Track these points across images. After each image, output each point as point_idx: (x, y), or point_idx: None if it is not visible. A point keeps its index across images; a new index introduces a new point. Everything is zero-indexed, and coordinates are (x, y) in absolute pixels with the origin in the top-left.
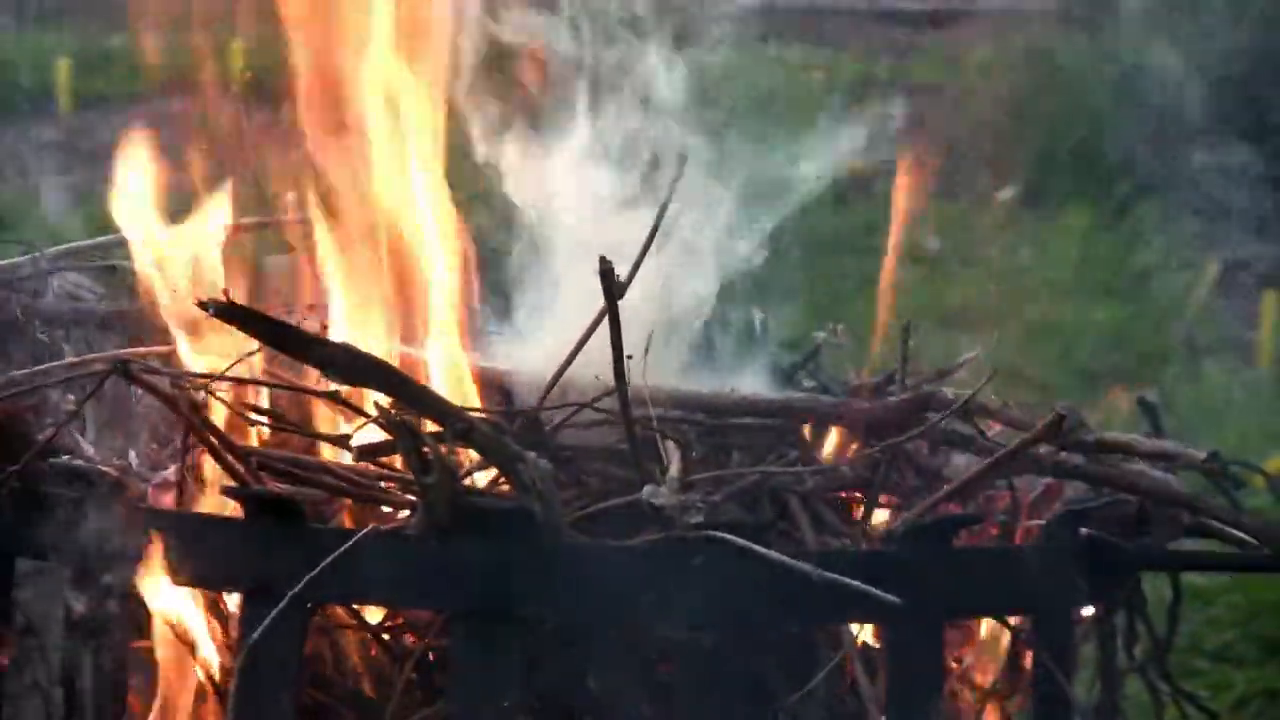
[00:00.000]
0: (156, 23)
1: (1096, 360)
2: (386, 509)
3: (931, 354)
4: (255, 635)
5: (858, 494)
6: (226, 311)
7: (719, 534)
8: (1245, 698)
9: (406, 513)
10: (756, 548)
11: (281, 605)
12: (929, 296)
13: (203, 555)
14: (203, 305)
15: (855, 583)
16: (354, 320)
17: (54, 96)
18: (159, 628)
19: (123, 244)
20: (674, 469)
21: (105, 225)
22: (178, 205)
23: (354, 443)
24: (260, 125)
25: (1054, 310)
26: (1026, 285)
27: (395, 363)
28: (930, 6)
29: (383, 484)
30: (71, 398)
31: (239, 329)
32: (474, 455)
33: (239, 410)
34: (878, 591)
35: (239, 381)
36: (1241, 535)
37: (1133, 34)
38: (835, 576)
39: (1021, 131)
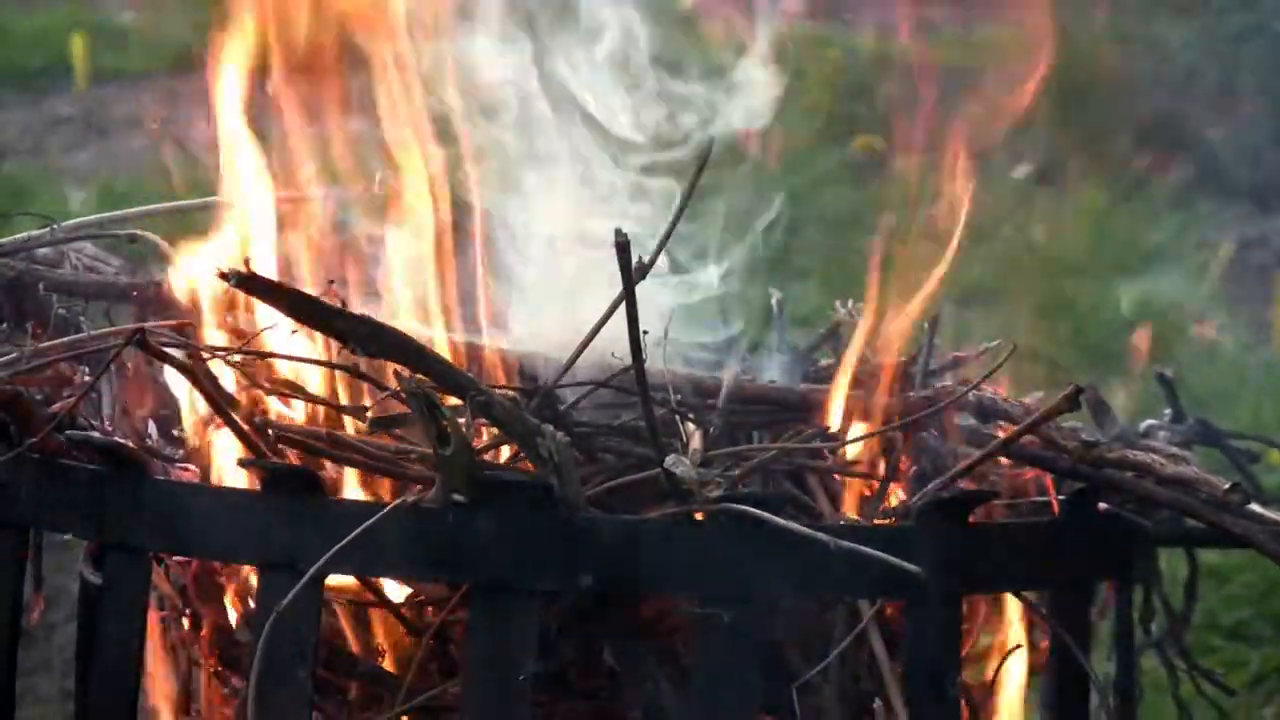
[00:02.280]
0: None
1: (1111, 338)
2: (404, 482)
3: (946, 331)
4: (277, 609)
5: (876, 471)
6: (247, 282)
7: (738, 506)
8: (1260, 675)
9: (423, 487)
10: (776, 519)
11: (304, 580)
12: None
13: (220, 528)
14: (224, 276)
15: (874, 552)
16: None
17: (69, 72)
18: (174, 601)
19: (140, 218)
20: (693, 444)
21: (121, 199)
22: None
23: (371, 415)
24: (277, 100)
25: (1068, 288)
26: (1040, 262)
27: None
28: None
29: (401, 458)
30: (85, 368)
31: (260, 300)
32: (492, 432)
33: (256, 382)
34: (897, 560)
35: (257, 355)
36: (1258, 546)
37: (1147, 9)
38: (853, 546)
39: (1036, 109)
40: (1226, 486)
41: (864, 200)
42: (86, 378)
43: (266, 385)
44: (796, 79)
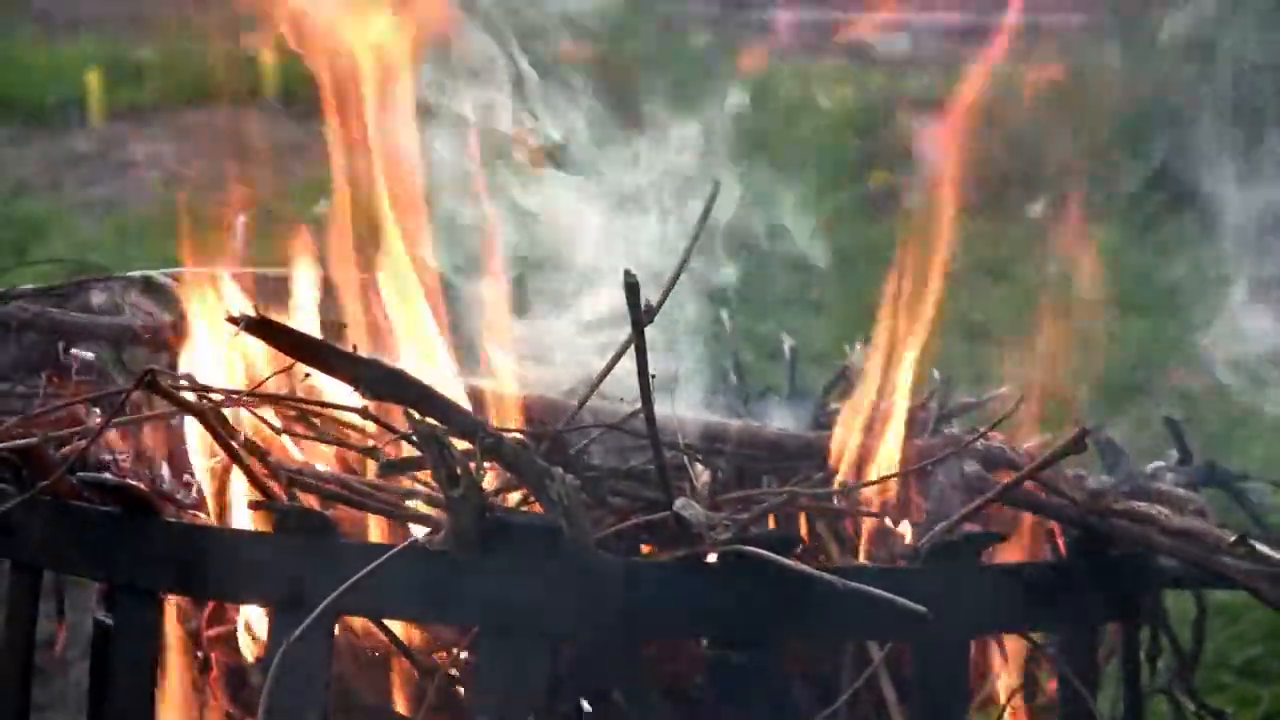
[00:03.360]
0: (186, 34)
1: (1124, 375)
2: (415, 525)
3: (959, 371)
4: (283, 648)
5: (883, 515)
6: (257, 326)
7: (747, 548)
8: (1270, 713)
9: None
10: (784, 560)
11: (310, 619)
12: (956, 310)
13: (230, 570)
14: (233, 320)
15: (881, 593)
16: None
17: (84, 107)
18: (186, 642)
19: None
20: (702, 487)
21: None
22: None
23: (381, 459)
24: (287, 137)
25: (1082, 325)
26: (1054, 300)
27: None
28: (959, 23)
29: (410, 501)
30: (97, 411)
31: (269, 344)
32: (502, 477)
33: (266, 422)
34: (904, 601)
35: (268, 399)
36: (1259, 594)
37: (1162, 48)
38: (861, 587)
39: (1050, 146)
40: (1232, 540)
41: (879, 236)
42: (98, 420)
43: (277, 426)
44: (811, 115)
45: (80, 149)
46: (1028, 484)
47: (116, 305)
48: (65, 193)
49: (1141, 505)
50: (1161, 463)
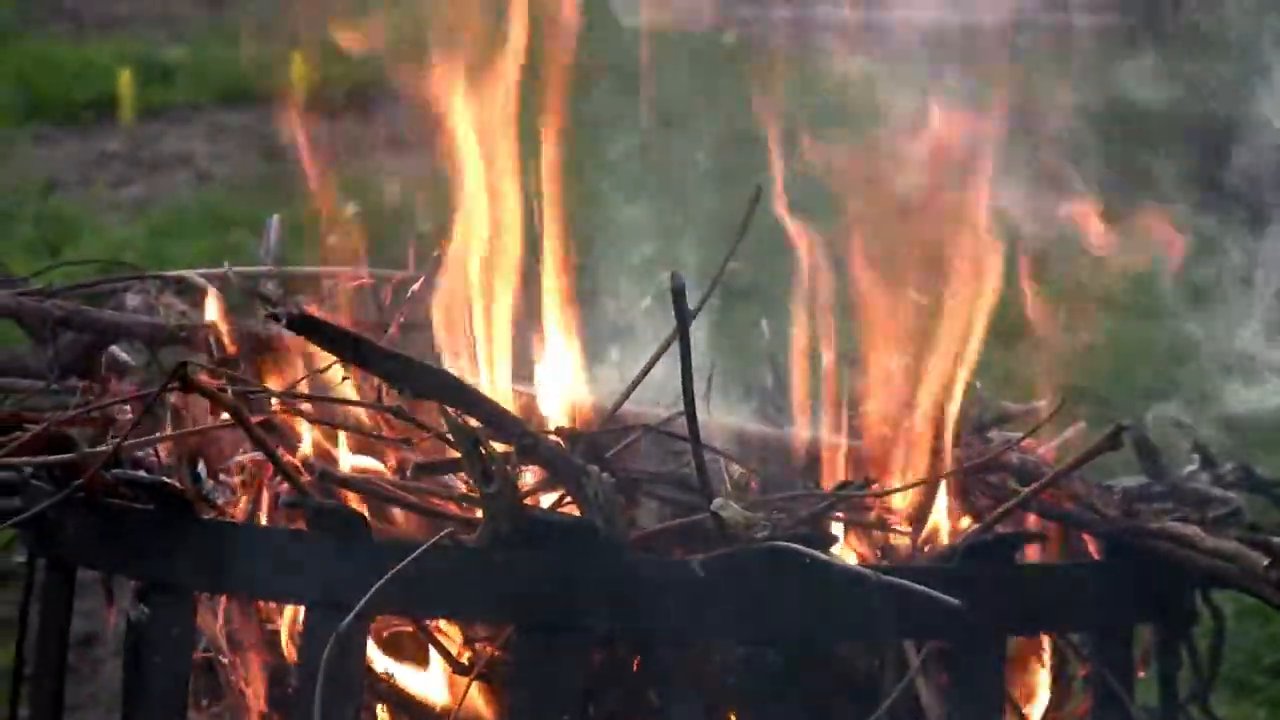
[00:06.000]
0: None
1: (1158, 376)
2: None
3: (992, 371)
4: (327, 650)
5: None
6: (299, 323)
7: (784, 544)
8: None
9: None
10: (820, 554)
11: (349, 619)
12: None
13: (264, 568)
14: (274, 317)
15: (917, 586)
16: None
17: (115, 107)
18: (220, 640)
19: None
20: (738, 490)
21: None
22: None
23: (416, 459)
24: (321, 138)
25: (1115, 325)
26: (1087, 299)
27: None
28: (993, 19)
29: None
30: (127, 409)
31: (310, 341)
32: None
33: (300, 413)
34: (938, 594)
35: (303, 398)
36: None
37: (1196, 46)
38: (895, 580)
39: (1084, 145)
40: (1266, 563)
41: (908, 236)
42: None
43: (308, 415)
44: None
45: (110, 148)
46: (1063, 499)
47: (150, 306)
48: (95, 192)
49: (1177, 525)
50: (1196, 465)
